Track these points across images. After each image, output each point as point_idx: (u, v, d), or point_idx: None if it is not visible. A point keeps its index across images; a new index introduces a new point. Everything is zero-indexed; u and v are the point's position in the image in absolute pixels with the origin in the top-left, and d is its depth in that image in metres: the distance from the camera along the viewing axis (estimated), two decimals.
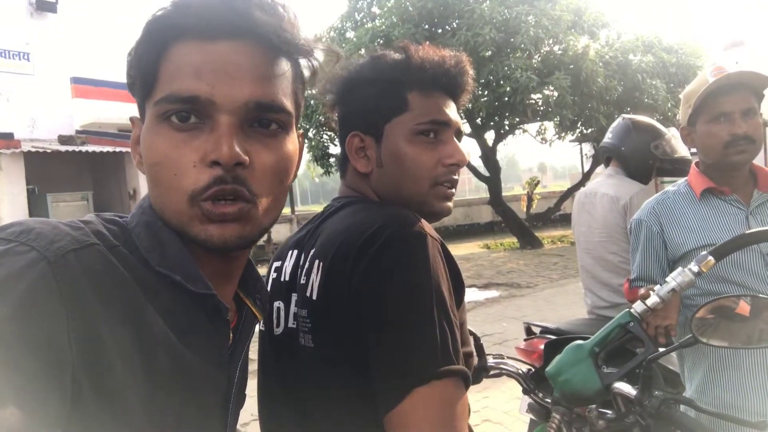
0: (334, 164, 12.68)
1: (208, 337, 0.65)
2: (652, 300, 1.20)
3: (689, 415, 1.12)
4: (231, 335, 0.70)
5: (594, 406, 1.28)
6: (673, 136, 2.62)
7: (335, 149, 11.98)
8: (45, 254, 0.51)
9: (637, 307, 1.21)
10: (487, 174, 13.27)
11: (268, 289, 0.99)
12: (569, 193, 14.38)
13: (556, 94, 10.49)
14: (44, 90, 10.95)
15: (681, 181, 1.68)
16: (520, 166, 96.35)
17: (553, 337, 2.33)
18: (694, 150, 1.72)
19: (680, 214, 1.60)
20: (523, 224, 13.49)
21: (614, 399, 1.25)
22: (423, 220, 0.89)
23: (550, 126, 13.51)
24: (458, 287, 0.88)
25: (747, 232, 1.25)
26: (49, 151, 9.92)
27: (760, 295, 1.20)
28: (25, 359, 0.47)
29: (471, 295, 8.30)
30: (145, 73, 0.62)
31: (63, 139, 10.56)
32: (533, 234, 13.17)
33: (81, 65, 10.93)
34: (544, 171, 78.18)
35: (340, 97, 1.04)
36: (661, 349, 1.20)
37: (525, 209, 15.34)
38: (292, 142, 0.67)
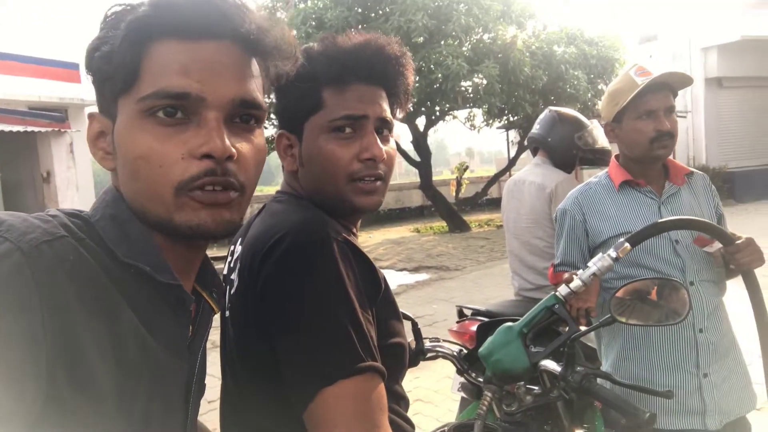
0: None
1: (171, 327, 0.66)
2: (575, 283, 1.29)
3: (606, 388, 1.23)
4: (190, 327, 0.72)
5: (522, 383, 1.37)
6: (594, 127, 2.79)
7: None
8: (18, 245, 0.52)
9: (562, 290, 1.30)
10: (417, 159, 13.44)
11: (225, 270, 1.02)
12: (496, 178, 14.84)
13: (485, 81, 10.73)
14: None
15: (602, 173, 1.80)
16: (449, 150, 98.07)
17: (483, 318, 2.44)
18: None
19: (601, 203, 1.72)
20: (452, 208, 13.80)
21: (541, 375, 1.35)
22: (330, 223, 0.90)
23: (478, 113, 13.83)
24: (373, 285, 0.90)
25: (659, 221, 1.37)
26: None
27: (672, 279, 1.32)
28: (0, 348, 0.48)
29: (402, 278, 8.44)
30: (125, 71, 0.63)
31: None
32: (461, 218, 13.51)
33: None
34: (471, 156, 80.00)
35: (275, 94, 1.02)
36: (583, 329, 1.30)
37: (454, 194, 15.69)
38: (262, 135, 0.71)
